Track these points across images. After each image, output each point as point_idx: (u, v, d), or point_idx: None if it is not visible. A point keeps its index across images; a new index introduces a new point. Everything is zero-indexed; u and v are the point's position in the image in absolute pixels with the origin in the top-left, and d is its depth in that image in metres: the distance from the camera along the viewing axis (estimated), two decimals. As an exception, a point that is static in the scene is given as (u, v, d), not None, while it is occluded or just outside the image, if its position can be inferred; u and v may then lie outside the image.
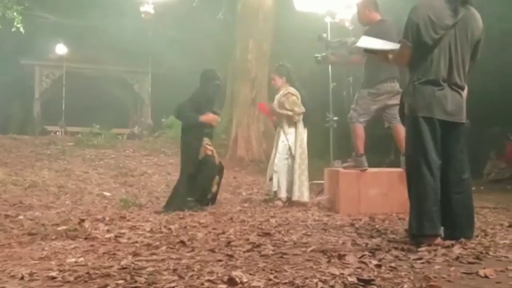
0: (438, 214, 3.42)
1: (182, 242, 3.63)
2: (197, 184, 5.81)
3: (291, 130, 6.16)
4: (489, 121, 11.63)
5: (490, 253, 3.16)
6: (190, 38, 14.17)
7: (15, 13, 12.46)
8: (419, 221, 3.44)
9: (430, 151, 3.44)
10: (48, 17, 14.72)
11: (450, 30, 3.47)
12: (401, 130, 5.35)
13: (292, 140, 6.11)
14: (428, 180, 3.42)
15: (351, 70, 6.59)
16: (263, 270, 2.76)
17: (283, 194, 6.07)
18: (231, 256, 3.13)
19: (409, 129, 3.64)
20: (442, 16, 3.45)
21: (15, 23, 12.54)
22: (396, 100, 5.46)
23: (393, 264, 2.87)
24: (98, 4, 14.36)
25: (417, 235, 3.47)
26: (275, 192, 6.12)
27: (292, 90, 6.18)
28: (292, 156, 6.09)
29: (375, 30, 5.35)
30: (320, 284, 2.48)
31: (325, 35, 6.48)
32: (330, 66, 6.94)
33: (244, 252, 3.27)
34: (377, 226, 4.45)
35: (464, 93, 3.62)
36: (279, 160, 6.12)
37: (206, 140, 5.96)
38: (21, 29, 12.68)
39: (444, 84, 3.49)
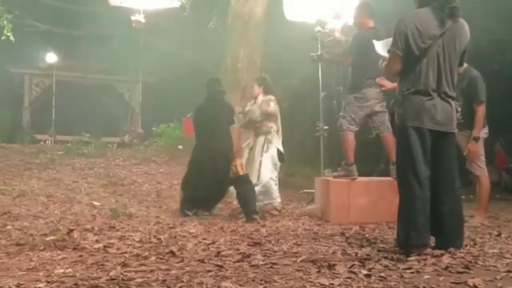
0: (427, 224, 3.43)
1: (172, 252, 3.61)
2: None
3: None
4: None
5: (479, 262, 3.18)
6: (181, 47, 14.17)
7: (5, 22, 12.39)
8: (406, 231, 3.46)
9: (418, 161, 3.46)
10: (38, 25, 14.63)
11: (438, 40, 3.50)
12: (389, 138, 5.39)
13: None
14: (416, 190, 3.44)
15: (345, 68, 6.64)
16: (253, 280, 2.74)
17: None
18: (221, 266, 3.12)
19: (399, 139, 3.67)
20: (428, 26, 3.49)
21: (5, 32, 12.47)
22: (382, 107, 5.51)
23: (382, 274, 2.87)
24: (89, 13, 14.33)
25: (405, 245, 3.48)
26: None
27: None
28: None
29: (362, 35, 5.44)
30: (309, 294, 2.47)
31: (319, 34, 6.58)
32: (320, 74, 6.97)
33: (234, 262, 3.26)
34: (367, 235, 4.46)
35: (454, 103, 3.66)
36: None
37: None
38: (11, 38, 12.62)
39: (434, 94, 3.52)
